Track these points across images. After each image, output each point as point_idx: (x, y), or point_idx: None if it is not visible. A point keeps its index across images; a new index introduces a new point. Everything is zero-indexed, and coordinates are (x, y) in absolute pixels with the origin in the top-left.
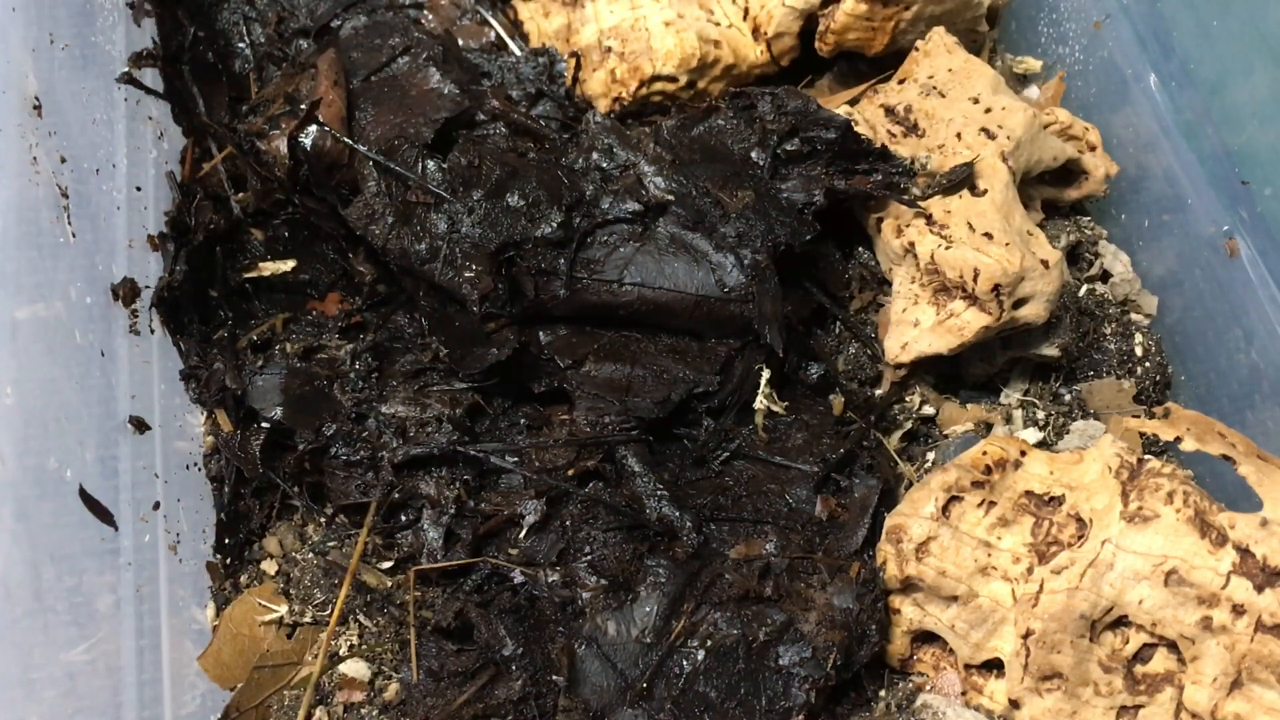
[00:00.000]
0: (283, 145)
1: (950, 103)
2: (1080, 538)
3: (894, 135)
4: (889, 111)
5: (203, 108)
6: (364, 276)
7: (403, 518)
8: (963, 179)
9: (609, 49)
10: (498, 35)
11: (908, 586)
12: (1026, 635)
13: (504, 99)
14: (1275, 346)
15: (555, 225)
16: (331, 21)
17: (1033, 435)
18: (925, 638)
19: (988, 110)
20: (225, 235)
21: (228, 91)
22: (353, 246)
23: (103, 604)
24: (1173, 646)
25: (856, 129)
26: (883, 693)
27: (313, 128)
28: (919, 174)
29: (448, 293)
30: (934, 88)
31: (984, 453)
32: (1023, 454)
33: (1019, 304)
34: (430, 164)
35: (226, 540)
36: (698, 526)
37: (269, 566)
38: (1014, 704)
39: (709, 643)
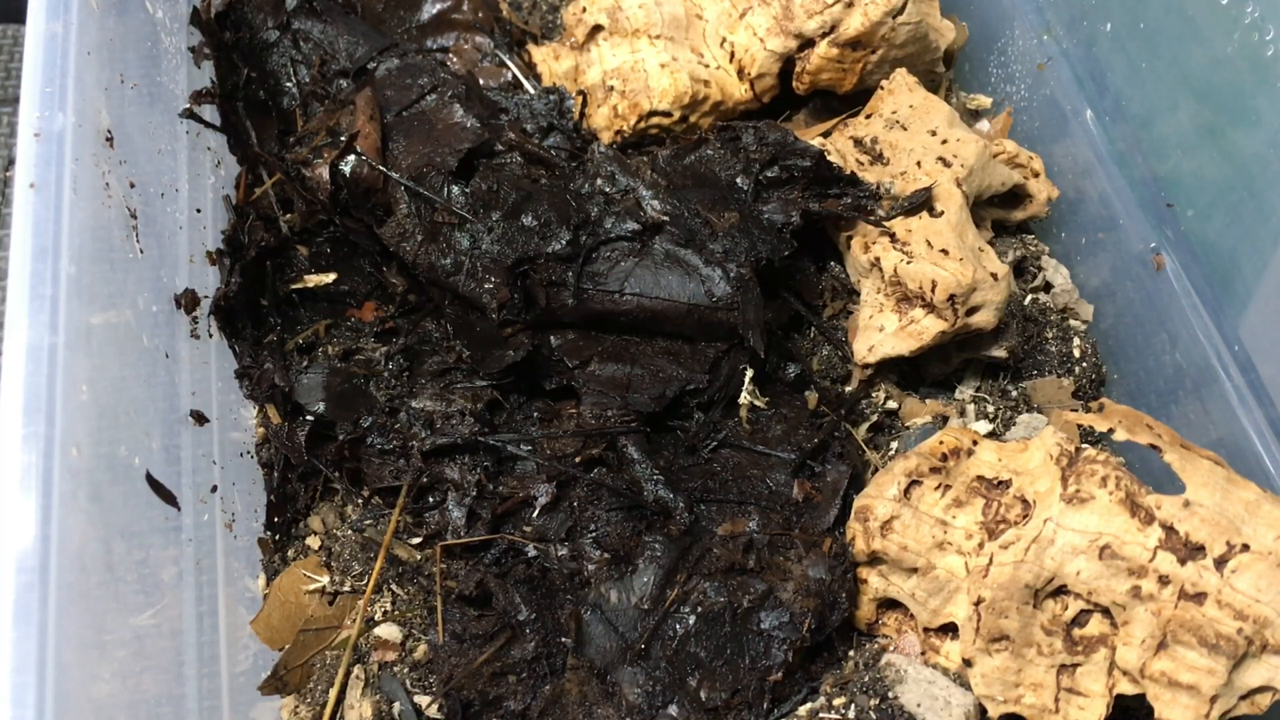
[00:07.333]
0: (325, 173)
1: (911, 135)
2: (1025, 517)
3: (862, 163)
4: (857, 142)
5: (255, 139)
6: (396, 287)
7: (430, 499)
8: (922, 202)
9: (611, 88)
10: (514, 76)
11: (874, 559)
12: (978, 602)
13: (519, 132)
14: (1196, 349)
15: (564, 243)
16: (368, 64)
17: (984, 427)
18: (889, 604)
19: (944, 141)
20: (274, 251)
21: (277, 125)
22: (386, 261)
23: (167, 575)
24: (1106, 612)
25: (829, 158)
26: (852, 653)
27: (352, 157)
28: (884, 198)
29: (470, 302)
30: (897, 122)
31: (941, 442)
32: (975, 443)
33: (971, 312)
34: (455, 189)
35: (276, 519)
36: (689, 507)
37: (313, 542)
38: (967, 663)
39: (699, 609)
